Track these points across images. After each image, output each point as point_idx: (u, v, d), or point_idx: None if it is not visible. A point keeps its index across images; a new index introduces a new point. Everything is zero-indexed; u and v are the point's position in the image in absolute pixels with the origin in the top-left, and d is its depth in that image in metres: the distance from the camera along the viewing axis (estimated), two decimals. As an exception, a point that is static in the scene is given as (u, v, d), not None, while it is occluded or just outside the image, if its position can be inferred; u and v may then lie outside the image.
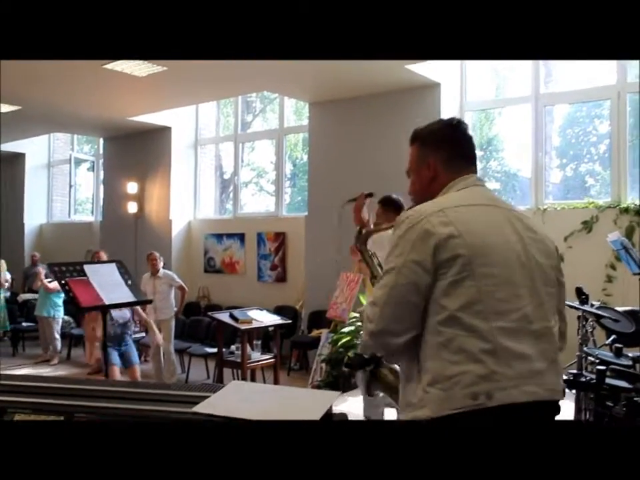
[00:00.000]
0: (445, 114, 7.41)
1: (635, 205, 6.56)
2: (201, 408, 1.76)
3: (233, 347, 6.77)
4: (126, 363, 6.63)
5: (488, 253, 1.75)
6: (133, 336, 8.97)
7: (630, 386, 3.48)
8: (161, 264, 7.56)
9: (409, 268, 1.72)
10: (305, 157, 9.77)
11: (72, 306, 4.86)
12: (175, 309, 7.52)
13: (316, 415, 1.70)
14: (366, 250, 2.36)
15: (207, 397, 1.88)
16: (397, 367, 2.30)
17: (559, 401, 1.78)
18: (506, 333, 1.69)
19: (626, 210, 6.57)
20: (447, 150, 1.98)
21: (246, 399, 1.89)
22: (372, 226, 4.63)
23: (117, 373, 6.44)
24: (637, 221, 6.48)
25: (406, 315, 1.73)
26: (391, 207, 4.47)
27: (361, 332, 6.91)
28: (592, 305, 4.16)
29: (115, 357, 6.40)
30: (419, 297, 1.72)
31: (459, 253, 1.71)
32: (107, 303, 4.73)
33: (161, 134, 10.69)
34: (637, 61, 7.09)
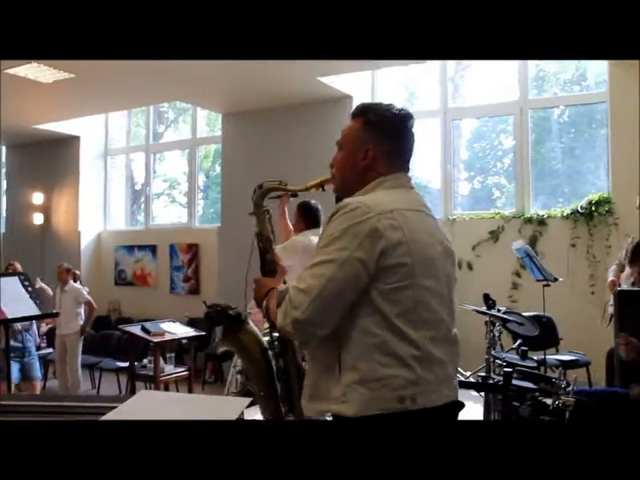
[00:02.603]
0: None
1: (538, 215, 6.87)
2: (110, 418, 1.70)
3: (145, 361, 6.58)
4: (25, 377, 6.33)
5: (427, 265, 1.75)
6: (40, 352, 8.61)
7: (535, 386, 3.62)
8: (71, 277, 7.27)
9: (352, 265, 1.65)
10: (217, 169, 9.70)
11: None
12: (82, 323, 7.21)
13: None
14: (262, 205, 2.32)
15: (116, 407, 1.82)
16: (256, 330, 2.40)
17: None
18: (432, 341, 1.73)
19: (529, 220, 6.87)
20: (391, 142, 1.89)
21: (155, 408, 1.84)
22: (289, 227, 4.69)
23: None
24: (539, 230, 6.78)
25: (336, 309, 1.67)
26: (308, 215, 4.48)
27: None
28: (499, 310, 4.31)
29: (14, 370, 6.06)
30: (354, 295, 1.68)
31: (404, 262, 1.69)
32: (9, 316, 4.52)
33: (68, 143, 10.35)
34: (537, 80, 7.45)
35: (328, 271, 1.66)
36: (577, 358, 5.54)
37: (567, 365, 5.20)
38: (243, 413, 1.76)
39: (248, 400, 1.80)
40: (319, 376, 1.78)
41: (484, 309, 4.21)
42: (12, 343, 6.00)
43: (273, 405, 2.28)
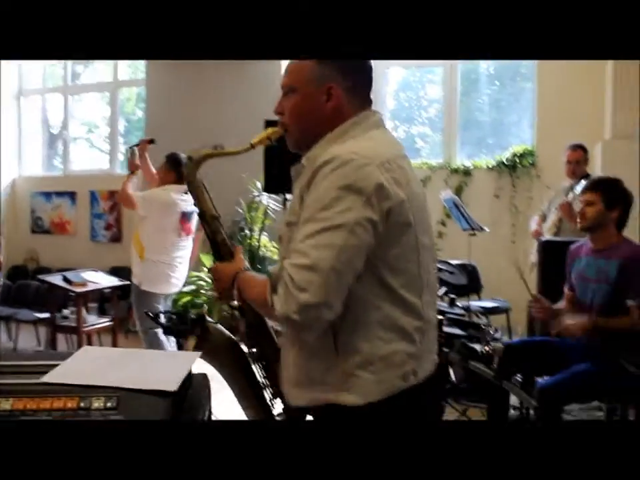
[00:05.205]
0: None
1: (464, 165, 7.00)
2: (51, 377, 1.62)
3: (66, 311, 6.41)
4: None
5: (424, 221, 1.53)
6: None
7: (463, 332, 3.74)
8: None
9: (364, 227, 1.37)
10: (139, 113, 9.35)
11: None
12: None
13: (178, 377, 1.62)
14: (195, 180, 1.84)
15: (57, 365, 1.74)
16: (223, 329, 2.08)
17: None
18: (430, 306, 1.56)
19: (456, 170, 7.00)
20: (354, 75, 1.57)
21: (100, 366, 1.77)
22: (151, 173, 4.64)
23: None
24: (464, 180, 6.93)
25: (347, 284, 1.39)
26: (174, 168, 4.46)
27: (202, 290, 6.81)
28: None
29: None
30: (362, 264, 1.41)
31: (408, 221, 1.45)
32: None
33: (-24, 82, 9.71)
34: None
35: (337, 239, 1.35)
36: (498, 304, 5.76)
37: (488, 311, 5.41)
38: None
39: (197, 354, 1.76)
40: (308, 359, 1.54)
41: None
42: None
43: (256, 405, 2.02)
